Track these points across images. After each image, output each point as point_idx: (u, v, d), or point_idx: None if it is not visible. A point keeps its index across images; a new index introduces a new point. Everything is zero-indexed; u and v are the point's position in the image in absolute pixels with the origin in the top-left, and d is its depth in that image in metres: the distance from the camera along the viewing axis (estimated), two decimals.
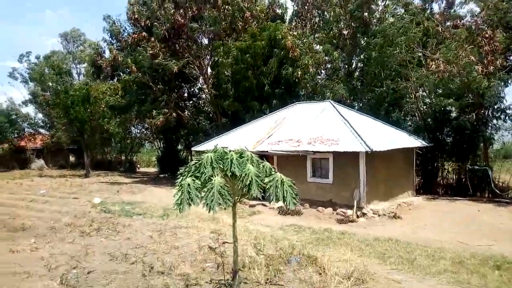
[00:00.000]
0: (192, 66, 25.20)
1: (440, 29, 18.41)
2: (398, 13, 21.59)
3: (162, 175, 28.71)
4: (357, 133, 13.28)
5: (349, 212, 12.78)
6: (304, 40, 21.72)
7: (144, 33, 23.86)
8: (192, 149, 19.52)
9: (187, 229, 10.20)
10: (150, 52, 22.97)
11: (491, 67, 16.81)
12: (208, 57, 26.12)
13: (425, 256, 7.93)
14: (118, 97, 27.20)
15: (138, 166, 38.01)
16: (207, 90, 26.59)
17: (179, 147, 32.17)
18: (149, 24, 23.92)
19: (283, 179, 4.60)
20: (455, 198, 16.73)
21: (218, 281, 5.88)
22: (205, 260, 7.15)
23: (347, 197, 13.34)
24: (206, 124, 28.21)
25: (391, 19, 20.69)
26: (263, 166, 4.60)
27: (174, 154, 30.49)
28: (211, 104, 26.40)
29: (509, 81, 18.13)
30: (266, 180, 4.49)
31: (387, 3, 22.72)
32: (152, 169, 36.00)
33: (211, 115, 27.76)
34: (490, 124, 18.42)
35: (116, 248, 8.28)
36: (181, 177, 4.45)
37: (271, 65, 21.27)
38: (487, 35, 17.16)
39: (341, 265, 6.97)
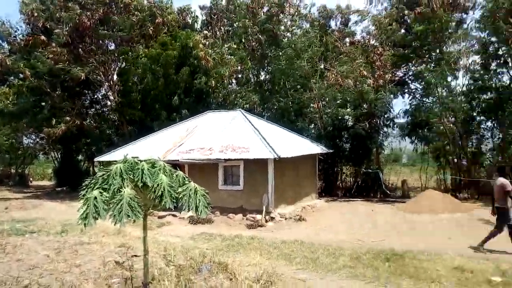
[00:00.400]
0: (97, 72, 23.72)
1: (338, 44, 20.10)
2: (304, 28, 23.13)
3: (59, 189, 26.28)
4: (266, 141, 13.82)
5: (258, 217, 13.19)
6: (217, 50, 21.97)
7: (42, 36, 21.71)
8: (95, 159, 18.36)
9: (89, 245, 9.53)
10: (50, 56, 21.01)
11: (381, 81, 18.91)
12: (115, 63, 24.86)
13: (327, 255, 8.54)
14: (8, 103, 24.39)
15: (31, 179, 34.29)
16: (112, 98, 25.25)
17: (80, 157, 29.86)
18: (48, 26, 21.86)
19: (196, 188, 4.62)
20: (352, 199, 18.29)
21: None
22: (110, 276, 6.78)
23: (257, 203, 13.75)
24: (111, 133, 26.73)
25: (299, 32, 21.97)
26: (176, 175, 4.57)
27: (73, 165, 28.04)
28: (116, 112, 25.11)
29: (397, 94, 20.52)
30: (179, 190, 4.46)
31: (294, 18, 24.15)
32: (48, 182, 32.83)
33: (116, 123, 26.40)
34: (381, 132, 20.62)
35: (5, 271, 7.42)
36: (87, 190, 4.22)
37: (183, 74, 21.08)
38: (378, 52, 19.28)
39: (251, 269, 7.16)
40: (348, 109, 20.21)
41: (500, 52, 18.60)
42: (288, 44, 20.77)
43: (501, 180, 8.93)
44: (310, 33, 20.35)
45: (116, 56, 24.43)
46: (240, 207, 14.09)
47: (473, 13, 18.88)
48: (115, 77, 24.97)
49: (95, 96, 27.67)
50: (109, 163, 19.65)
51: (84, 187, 4.40)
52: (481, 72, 18.70)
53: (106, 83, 25.12)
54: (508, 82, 18.58)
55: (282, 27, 23.79)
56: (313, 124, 22.41)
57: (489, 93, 18.98)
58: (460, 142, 18.94)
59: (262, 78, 24.32)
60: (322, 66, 20.05)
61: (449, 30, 18.26)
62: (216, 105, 22.39)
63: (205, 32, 25.16)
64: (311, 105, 21.18)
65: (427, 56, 18.99)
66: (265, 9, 24.05)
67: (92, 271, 7.20)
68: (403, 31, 19.70)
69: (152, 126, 20.78)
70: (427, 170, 20.46)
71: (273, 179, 13.56)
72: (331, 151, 18.61)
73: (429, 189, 17.27)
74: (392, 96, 19.96)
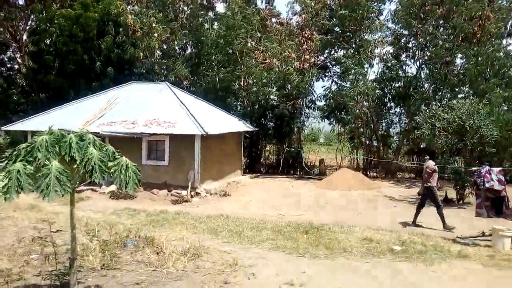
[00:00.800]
0: (3, 30, 21.20)
1: (267, 23, 20.32)
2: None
3: None
4: (193, 116, 13.74)
5: (184, 192, 13.23)
6: (144, 20, 20.87)
7: None
8: (2, 128, 16.67)
9: (0, 221, 8.88)
10: None
11: (306, 64, 19.66)
12: (24, 22, 22.40)
13: (251, 228, 8.97)
14: None
15: None
16: (21, 61, 22.86)
17: None
18: None
19: (128, 163, 4.55)
20: (275, 176, 19.11)
21: (50, 272, 5.44)
22: (28, 253, 6.46)
23: (182, 178, 13.74)
24: (19, 99, 24.30)
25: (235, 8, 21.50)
26: (106, 149, 4.44)
27: None
28: (26, 76, 22.84)
29: (319, 77, 21.52)
30: (110, 164, 4.36)
31: None
32: None
33: (26, 89, 24.05)
34: (303, 113, 21.61)
35: None
36: (7, 162, 3.94)
37: (106, 41, 19.75)
38: (306, 35, 19.90)
39: (178, 243, 7.30)
40: (274, 89, 20.78)
41: (410, 45, 20.45)
42: (222, 17, 20.52)
43: (429, 162, 9.86)
44: (248, 10, 20.16)
45: (26, 14, 22.03)
46: (164, 182, 13.97)
47: (390, 5, 20.29)
48: (24, 37, 22.60)
49: (1, 57, 24.82)
50: (18, 132, 18.14)
51: (3, 159, 4.11)
52: (393, 62, 20.43)
53: (14, 44, 22.64)
54: (414, 73, 20.54)
55: None
56: (239, 102, 22.68)
57: (398, 82, 20.88)
58: (372, 125, 20.65)
59: (189, 51, 23.71)
60: (249, 44, 20.13)
61: (370, 19, 19.47)
62: (140, 76, 21.47)
63: None
64: (239, 82, 21.37)
65: (347, 42, 20.10)
66: None
67: (6, 248, 6.78)
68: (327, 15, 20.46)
69: (68, 95, 19.34)
70: (342, 150, 22.03)
71: (199, 155, 13.61)
72: (256, 129, 19.10)
73: (343, 168, 18.69)
74: (314, 79, 20.95)
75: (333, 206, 12.72)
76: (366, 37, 19.71)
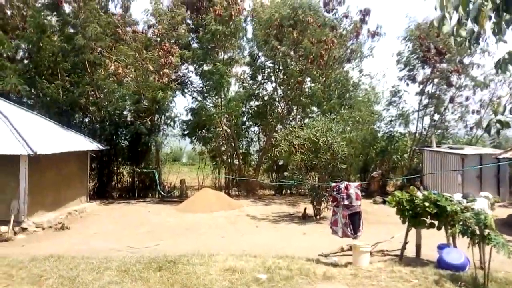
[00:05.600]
0: None
1: (120, 31, 18.39)
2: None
3: None
4: (18, 132, 11.01)
5: (3, 229, 10.36)
6: None
7: None
8: None
9: None
10: None
11: (166, 78, 18.31)
12: None
13: (90, 270, 7.15)
14: None
15: None
16: None
17: None
18: None
19: None
20: (129, 201, 17.05)
21: None
22: None
23: (3, 211, 10.80)
24: None
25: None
26: None
27: None
28: None
29: (179, 93, 20.43)
30: None
31: None
32: None
33: None
34: (162, 130, 20.09)
35: None
36: None
37: None
38: (165, 48, 18.55)
39: None
40: (128, 104, 18.79)
41: (266, 66, 20.99)
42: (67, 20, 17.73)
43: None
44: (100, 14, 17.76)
45: None
46: None
47: (247, 25, 20.44)
48: None
49: None
50: None
51: None
52: (250, 82, 20.70)
53: None
54: (271, 93, 21.17)
55: None
56: (88, 117, 19.93)
57: (257, 101, 21.25)
58: (233, 143, 20.40)
59: (22, 55, 19.88)
60: (99, 51, 17.81)
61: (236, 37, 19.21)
62: None
63: None
64: (87, 96, 18.72)
65: (211, 58, 19.49)
66: None
67: None
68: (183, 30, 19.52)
69: None
70: (204, 169, 21.22)
71: (26, 180, 10.92)
72: (106, 148, 16.83)
73: (205, 188, 17.80)
74: (174, 94, 19.79)
75: (194, 231, 11.59)
76: (228, 55, 19.50)
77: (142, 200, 17.27)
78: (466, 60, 19.93)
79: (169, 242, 10.10)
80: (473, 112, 21.33)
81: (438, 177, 16.76)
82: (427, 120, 21.43)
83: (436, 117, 21.32)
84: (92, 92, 18.70)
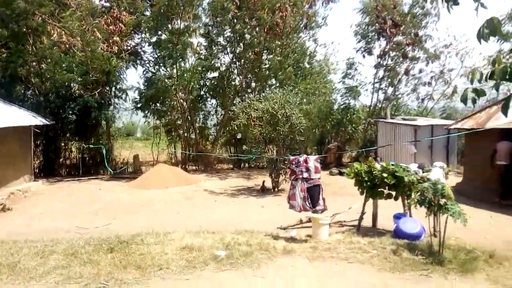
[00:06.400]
0: None
1: None
2: None
3: None
4: None
5: None
6: None
7: None
8: None
9: None
10: None
11: (116, 47, 17.10)
12: None
13: (33, 255, 6.58)
14: None
15: None
16: None
17: None
18: None
19: None
20: (79, 178, 16.14)
21: None
22: None
23: None
24: None
25: None
26: None
27: None
28: None
29: (132, 63, 19.27)
30: None
31: None
32: None
33: None
34: (113, 103, 18.99)
35: None
36: None
37: None
38: (114, 15, 17.23)
39: None
40: (76, 75, 17.47)
41: (222, 38, 20.20)
42: None
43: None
44: None
45: None
46: None
47: None
48: None
49: None
50: None
51: None
52: (206, 53, 19.87)
53: None
54: (228, 65, 20.52)
55: None
56: (31, 91, 18.39)
57: (214, 73, 20.55)
58: (189, 117, 19.74)
59: None
60: (42, 18, 16.24)
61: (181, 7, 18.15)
62: None
63: None
64: (28, 67, 17.16)
65: (165, 27, 18.41)
66: None
67: None
68: None
69: None
70: (159, 144, 20.50)
71: None
72: (52, 123, 15.66)
73: (160, 163, 17.21)
74: (126, 65, 18.68)
75: (149, 208, 11.13)
76: (184, 24, 18.47)
77: (93, 178, 16.40)
78: (421, 32, 20.25)
79: (122, 221, 9.61)
80: (424, 84, 21.99)
81: (391, 148, 17.20)
82: (382, 92, 21.84)
83: (391, 90, 21.77)
84: (35, 63, 17.18)
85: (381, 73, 21.25)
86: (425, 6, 19.13)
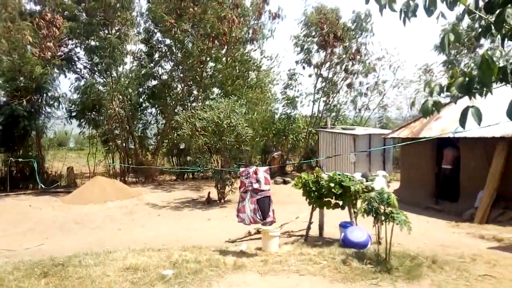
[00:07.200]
0: None
1: None
2: None
3: None
4: None
5: None
6: None
7: None
8: None
9: None
10: None
11: (48, 53, 15.92)
12: None
13: None
14: None
15: None
16: None
17: None
18: None
19: None
20: (6, 193, 14.71)
21: None
22: None
23: None
24: None
25: None
26: None
27: None
28: None
29: (64, 69, 18.11)
30: None
31: None
32: None
33: None
34: (44, 112, 17.63)
35: None
36: None
37: None
38: (47, 18, 16.06)
39: None
40: (1, 82, 16.02)
41: (163, 45, 19.71)
42: None
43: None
44: None
45: None
46: None
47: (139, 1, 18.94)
48: None
49: None
50: None
51: None
52: (146, 60, 19.21)
53: None
54: (169, 72, 20.03)
55: None
56: None
57: (154, 81, 19.95)
58: (128, 126, 18.89)
59: None
60: None
61: (118, 13, 17.41)
62: None
63: None
64: None
65: (100, 32, 17.52)
66: None
67: None
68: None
69: None
70: (96, 155, 19.35)
71: None
72: None
73: (97, 176, 16.25)
74: (58, 72, 17.52)
75: (86, 225, 10.38)
76: (120, 29, 17.70)
77: (22, 193, 15.03)
78: (361, 47, 21.22)
79: (56, 241, 8.83)
80: (361, 95, 23.13)
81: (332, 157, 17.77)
82: (322, 102, 22.56)
83: (330, 100, 22.54)
84: None
85: (320, 84, 21.96)
86: (362, 22, 20.14)
